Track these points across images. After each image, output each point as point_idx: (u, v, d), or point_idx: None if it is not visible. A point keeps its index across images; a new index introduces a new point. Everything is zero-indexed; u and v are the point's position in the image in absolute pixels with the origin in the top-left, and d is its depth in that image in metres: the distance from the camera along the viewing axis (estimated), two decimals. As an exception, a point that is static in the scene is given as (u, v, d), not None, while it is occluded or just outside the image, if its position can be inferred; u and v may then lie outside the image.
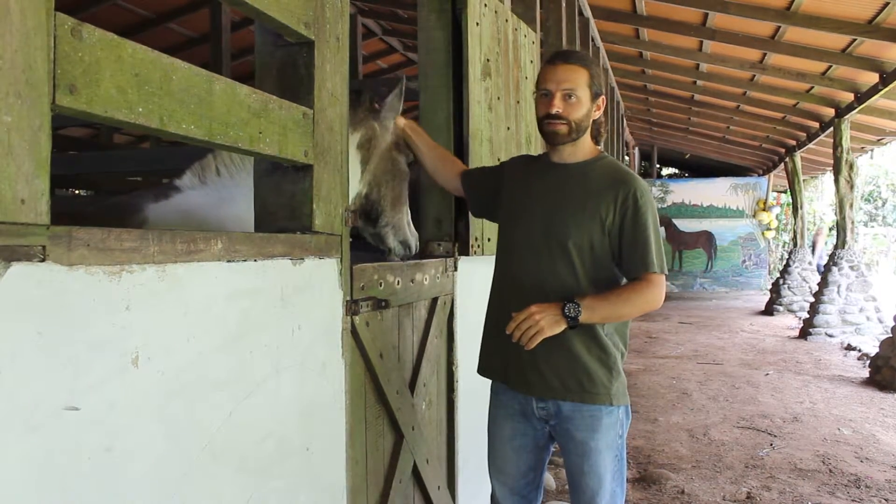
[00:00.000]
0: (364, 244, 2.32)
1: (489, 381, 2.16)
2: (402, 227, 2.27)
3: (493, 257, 2.19)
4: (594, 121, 1.97)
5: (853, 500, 3.62)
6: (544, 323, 1.79)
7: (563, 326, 1.81)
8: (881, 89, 7.36)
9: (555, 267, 1.90)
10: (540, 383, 1.92)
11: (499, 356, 2.04)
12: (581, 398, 1.89)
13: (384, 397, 1.98)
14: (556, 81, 1.89)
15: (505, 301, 2.02)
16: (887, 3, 5.85)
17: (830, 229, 15.56)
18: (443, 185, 2.40)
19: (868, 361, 7.03)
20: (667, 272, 1.92)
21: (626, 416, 1.96)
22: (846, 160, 8.95)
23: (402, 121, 2.25)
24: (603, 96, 1.97)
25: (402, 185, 2.24)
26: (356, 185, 2.09)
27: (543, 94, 1.92)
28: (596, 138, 2.04)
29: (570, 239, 1.88)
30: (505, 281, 2.05)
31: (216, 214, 1.97)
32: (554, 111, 1.88)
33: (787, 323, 10.97)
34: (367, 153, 2.13)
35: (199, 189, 2.08)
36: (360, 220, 2.19)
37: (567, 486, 3.67)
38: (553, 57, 1.96)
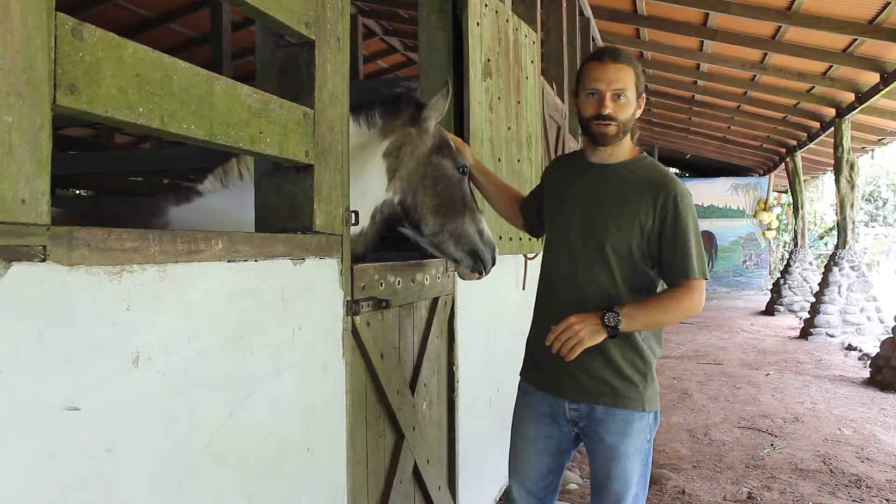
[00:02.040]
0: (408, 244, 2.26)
1: (491, 382, 2.15)
2: (464, 236, 2.13)
3: (496, 257, 2.19)
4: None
5: (854, 501, 3.62)
6: (584, 334, 1.76)
7: (602, 336, 1.78)
8: (882, 89, 7.36)
9: (592, 270, 1.87)
10: (574, 386, 1.90)
11: (535, 358, 2.03)
12: (614, 402, 1.87)
13: (385, 397, 1.98)
14: (606, 81, 1.83)
15: (545, 304, 2.00)
16: (888, 3, 5.85)
17: None
18: (504, 217, 2.40)
19: (869, 361, 7.03)
20: (708, 277, 1.89)
21: (654, 421, 1.94)
22: (847, 160, 8.95)
23: (470, 158, 2.24)
24: (644, 95, 1.93)
25: (449, 190, 2.12)
26: (382, 193, 2.05)
27: (590, 94, 1.86)
28: (632, 137, 1.99)
29: (609, 243, 1.85)
30: (546, 284, 2.03)
31: (237, 218, 1.96)
32: (606, 112, 1.83)
33: (788, 323, 10.97)
34: (396, 160, 2.06)
35: (220, 192, 2.08)
36: (406, 228, 2.13)
37: (568, 486, 3.68)
38: (600, 55, 1.89)
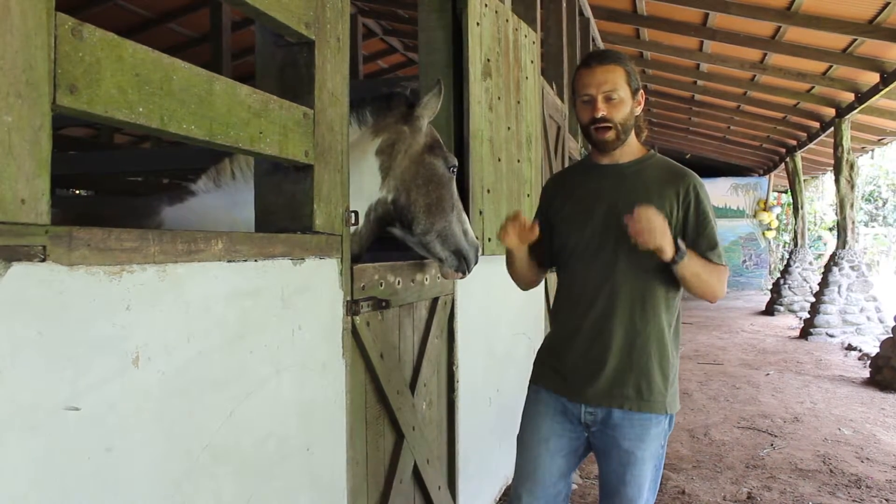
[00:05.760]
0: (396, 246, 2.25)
1: (491, 382, 2.13)
2: (451, 236, 2.13)
3: (495, 257, 2.16)
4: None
5: (854, 501, 3.62)
6: (660, 232, 1.71)
7: (670, 253, 1.74)
8: (882, 89, 7.36)
9: (623, 271, 1.86)
10: (596, 392, 1.86)
11: (552, 366, 1.98)
12: (639, 407, 1.84)
13: (384, 397, 1.98)
14: (595, 85, 1.83)
15: (571, 312, 1.95)
16: (888, 3, 5.85)
17: None
18: (525, 281, 2.16)
19: (869, 361, 7.03)
20: (726, 264, 1.92)
21: (670, 425, 1.91)
22: (847, 160, 8.95)
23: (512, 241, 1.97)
24: (641, 90, 1.92)
25: (439, 190, 2.11)
26: (376, 192, 2.04)
27: (584, 101, 1.87)
28: (638, 135, 1.99)
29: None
30: (569, 291, 1.98)
31: (230, 217, 1.97)
32: (599, 115, 1.83)
33: (788, 323, 10.97)
34: (390, 158, 2.05)
35: (213, 192, 2.09)
36: (396, 228, 2.12)
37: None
38: (588, 59, 1.91)
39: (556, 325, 2.03)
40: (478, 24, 2.76)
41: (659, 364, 1.86)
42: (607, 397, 1.86)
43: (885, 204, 23.96)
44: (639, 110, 1.93)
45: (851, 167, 9.01)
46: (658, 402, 1.85)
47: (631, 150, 1.94)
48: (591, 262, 1.91)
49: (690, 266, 1.79)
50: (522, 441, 2.02)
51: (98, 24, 0.97)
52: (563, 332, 1.96)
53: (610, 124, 1.85)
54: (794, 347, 8.65)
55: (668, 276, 1.87)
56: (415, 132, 2.10)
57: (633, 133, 1.94)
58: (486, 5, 2.86)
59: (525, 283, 2.17)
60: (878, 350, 6.82)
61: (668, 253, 1.75)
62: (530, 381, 2.07)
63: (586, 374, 1.88)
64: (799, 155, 12.15)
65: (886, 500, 3.63)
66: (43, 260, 0.89)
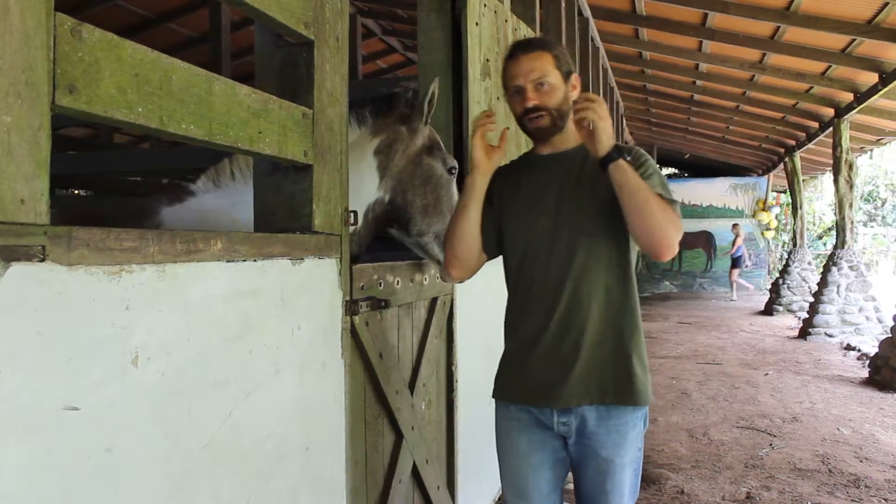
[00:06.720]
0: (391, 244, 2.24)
1: (490, 382, 2.07)
2: None
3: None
4: (574, 102, 1.78)
5: (852, 500, 3.62)
6: (604, 118, 1.63)
7: (610, 145, 1.65)
8: (881, 89, 7.36)
9: (581, 257, 1.76)
10: (570, 392, 1.74)
11: (515, 375, 1.85)
12: (623, 399, 1.74)
13: (384, 397, 1.98)
14: (523, 75, 1.77)
15: (530, 312, 1.82)
16: (886, 3, 5.85)
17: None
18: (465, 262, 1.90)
19: (867, 361, 7.03)
20: (679, 214, 1.74)
21: (644, 423, 1.83)
22: (846, 160, 8.95)
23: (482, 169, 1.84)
24: (575, 74, 1.84)
25: (437, 191, 2.11)
26: (374, 192, 2.05)
27: (515, 92, 1.80)
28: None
29: (593, 224, 1.76)
30: (529, 289, 1.83)
31: (230, 218, 1.98)
32: (531, 105, 1.77)
33: (787, 323, 10.97)
34: (387, 158, 2.06)
35: (213, 192, 2.09)
36: (393, 228, 2.12)
37: (566, 485, 3.67)
38: (512, 50, 1.83)
39: (515, 334, 1.88)
40: (477, 24, 2.77)
41: (637, 352, 1.78)
42: (577, 396, 1.75)
43: (883, 204, 23.99)
44: (575, 94, 1.83)
45: (850, 167, 9.02)
46: (641, 393, 1.76)
47: (573, 136, 1.83)
48: (548, 258, 1.80)
49: (632, 177, 1.65)
50: (502, 456, 1.90)
51: (98, 24, 0.98)
52: (525, 337, 1.83)
53: (544, 111, 1.78)
54: (793, 347, 8.65)
55: (626, 261, 1.79)
56: (413, 133, 2.11)
57: (571, 120, 1.83)
58: (485, 5, 2.86)
59: (466, 258, 1.87)
60: (876, 350, 6.83)
61: (610, 144, 1.64)
62: (494, 397, 1.93)
63: (555, 373, 1.76)
64: (798, 155, 12.16)
65: (885, 499, 3.64)
66: (42, 260, 0.89)
